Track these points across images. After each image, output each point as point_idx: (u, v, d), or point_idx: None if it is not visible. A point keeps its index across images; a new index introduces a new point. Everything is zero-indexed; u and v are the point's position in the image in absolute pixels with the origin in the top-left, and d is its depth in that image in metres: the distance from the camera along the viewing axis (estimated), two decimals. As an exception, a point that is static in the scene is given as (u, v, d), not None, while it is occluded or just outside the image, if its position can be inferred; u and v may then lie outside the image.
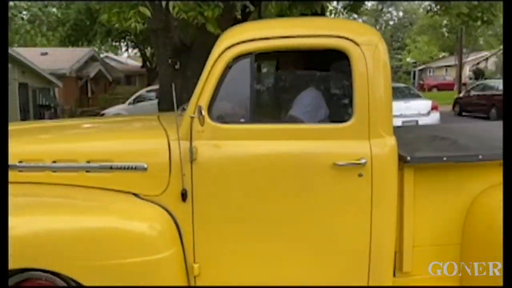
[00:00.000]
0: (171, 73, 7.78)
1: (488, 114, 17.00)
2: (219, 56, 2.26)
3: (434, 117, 10.47)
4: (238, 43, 2.28)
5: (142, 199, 2.28)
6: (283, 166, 2.30)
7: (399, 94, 11.27)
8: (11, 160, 2.23)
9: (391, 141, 2.33)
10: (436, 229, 2.53)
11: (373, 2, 36.43)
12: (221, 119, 2.29)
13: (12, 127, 2.62)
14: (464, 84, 27.94)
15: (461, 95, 20.23)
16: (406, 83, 35.70)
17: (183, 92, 5.85)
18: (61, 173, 2.30)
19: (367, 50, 2.29)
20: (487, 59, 37.38)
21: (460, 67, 27.96)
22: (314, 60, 2.65)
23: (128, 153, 2.31)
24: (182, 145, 2.21)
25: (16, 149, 2.31)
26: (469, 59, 36.58)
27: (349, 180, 2.29)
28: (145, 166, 2.25)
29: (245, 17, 6.26)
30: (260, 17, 7.62)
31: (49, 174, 2.30)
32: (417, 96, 11.35)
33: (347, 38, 2.30)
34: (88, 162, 2.29)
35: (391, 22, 44.22)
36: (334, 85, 2.74)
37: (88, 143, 2.47)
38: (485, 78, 30.97)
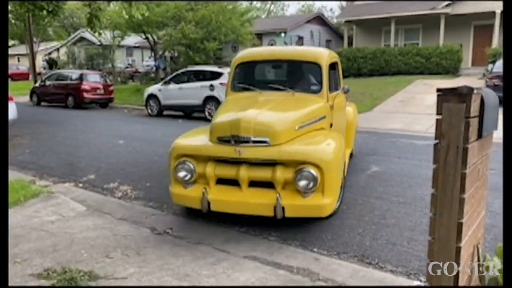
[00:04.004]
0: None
1: (66, 102, 17.71)
2: (326, 65, 5.38)
3: (11, 109, 9.80)
4: (330, 59, 5.66)
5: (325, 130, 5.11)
6: (343, 104, 6.28)
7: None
8: (295, 125, 4.53)
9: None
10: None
11: None
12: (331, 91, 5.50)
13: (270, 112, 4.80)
14: (39, 74, 27.81)
15: (37, 84, 20.00)
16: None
17: None
18: (313, 125, 4.82)
19: (339, 62, 6.37)
20: (58, 49, 38.46)
21: (33, 56, 27.53)
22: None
23: (321, 111, 5.06)
24: (327, 104, 5.25)
25: (295, 119, 4.59)
26: (40, 48, 36.49)
27: (346, 108, 6.72)
28: (326, 116, 5.10)
29: None
30: None
31: (309, 127, 4.73)
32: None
33: (336, 58, 6.23)
34: (315, 117, 4.90)
35: None
36: (333, 76, 6.04)
37: (310, 110, 4.99)
38: (58, 68, 31.90)
